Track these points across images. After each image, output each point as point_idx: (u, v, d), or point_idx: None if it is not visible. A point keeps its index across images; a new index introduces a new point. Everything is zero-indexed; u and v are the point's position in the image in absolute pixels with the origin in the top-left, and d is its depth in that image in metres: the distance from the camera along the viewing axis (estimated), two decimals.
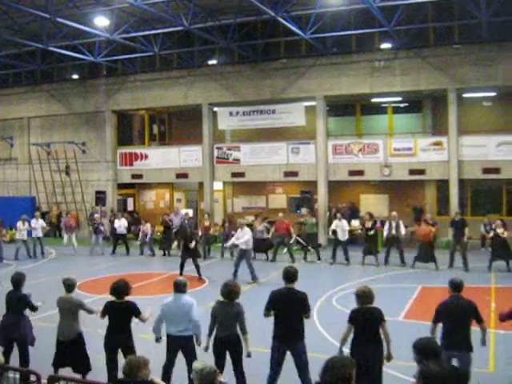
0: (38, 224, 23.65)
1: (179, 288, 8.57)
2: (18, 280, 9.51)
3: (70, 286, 8.98)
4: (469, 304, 8.01)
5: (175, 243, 21.67)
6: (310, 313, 8.30)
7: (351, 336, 7.72)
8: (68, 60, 28.73)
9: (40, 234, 23.55)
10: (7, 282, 9.77)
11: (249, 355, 8.19)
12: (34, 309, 9.48)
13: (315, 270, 20.05)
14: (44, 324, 11.40)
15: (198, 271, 18.32)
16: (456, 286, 8.10)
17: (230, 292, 8.22)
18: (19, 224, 23.15)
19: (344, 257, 20.88)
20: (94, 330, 9.45)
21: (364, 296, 7.76)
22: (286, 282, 8.36)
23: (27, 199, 31.51)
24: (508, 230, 19.06)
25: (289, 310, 8.10)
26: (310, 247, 22.73)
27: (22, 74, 32.73)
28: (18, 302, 9.34)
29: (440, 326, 7.99)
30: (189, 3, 20.65)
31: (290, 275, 8.34)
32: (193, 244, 18.46)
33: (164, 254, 23.51)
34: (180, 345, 8.46)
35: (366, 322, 7.60)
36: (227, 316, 8.17)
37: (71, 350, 8.80)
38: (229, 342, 8.15)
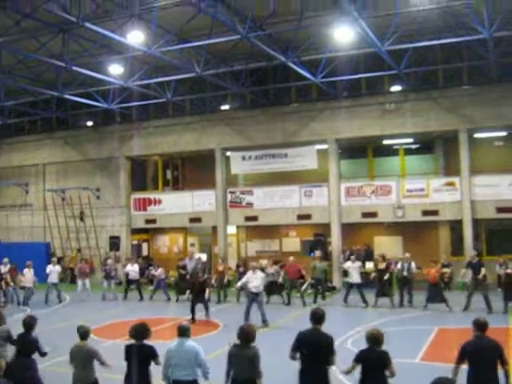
0: (55, 270, 23.72)
1: (183, 332, 8.58)
2: (29, 323, 9.53)
3: (83, 333, 8.89)
4: (495, 344, 7.84)
5: (188, 291, 21.63)
6: (334, 358, 8.11)
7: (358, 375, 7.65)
8: (83, 107, 29.21)
9: (56, 280, 23.58)
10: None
11: None
12: (42, 354, 9.48)
13: (328, 312, 19.83)
14: (59, 369, 11.38)
15: (206, 312, 18.62)
16: (480, 326, 7.95)
17: (246, 335, 8.16)
18: (26, 271, 23.12)
19: (361, 299, 20.73)
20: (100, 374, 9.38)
21: (372, 338, 7.71)
22: (313, 323, 8.32)
23: (42, 245, 31.65)
24: None
25: (316, 352, 8.02)
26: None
27: (37, 121, 33.35)
28: (29, 344, 9.35)
29: (463, 368, 7.79)
30: (201, 50, 21.05)
31: (318, 316, 8.33)
32: (206, 294, 18.66)
33: (177, 300, 23.36)
34: None
35: (373, 364, 7.52)
36: (243, 359, 8.09)
37: None
38: None
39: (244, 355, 8.10)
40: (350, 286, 21.12)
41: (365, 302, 20.67)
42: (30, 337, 9.45)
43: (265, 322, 17.40)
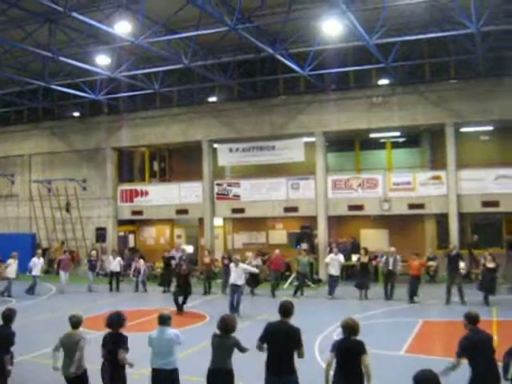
0: (39, 263, 23.58)
1: (163, 321, 8.71)
2: (8, 315, 9.45)
3: (75, 322, 8.90)
4: (490, 336, 8.00)
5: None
6: (302, 349, 8.08)
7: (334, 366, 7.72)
8: (69, 98, 29.03)
9: (38, 273, 23.43)
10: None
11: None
12: (9, 351, 9.39)
13: (315, 305, 19.98)
14: (44, 361, 11.35)
15: (182, 305, 18.54)
16: (472, 319, 8.07)
17: (226, 326, 8.28)
18: (11, 261, 22.89)
19: (328, 290, 21.01)
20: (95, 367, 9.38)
21: (347, 327, 7.78)
22: (281, 316, 8.34)
23: (28, 236, 31.52)
24: (498, 264, 19.15)
25: (281, 343, 8.07)
26: (309, 283, 22.77)
27: (23, 111, 33.12)
28: (8, 338, 9.27)
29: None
30: (189, 42, 20.97)
31: (286, 309, 8.33)
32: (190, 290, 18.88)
33: (164, 291, 23.38)
34: (165, 378, 8.52)
35: (347, 353, 7.58)
36: (222, 349, 8.23)
37: None
38: (219, 375, 8.15)
39: (223, 345, 8.24)
40: (332, 279, 21.22)
41: (331, 292, 20.98)
42: (9, 330, 9.38)
43: (234, 312, 17.24)
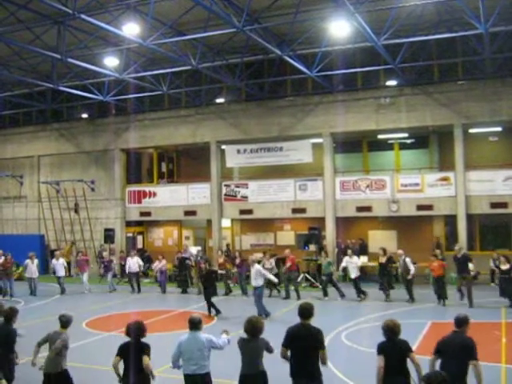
0: (59, 263, 23.82)
1: (194, 325, 8.32)
2: (9, 314, 9.46)
3: (64, 322, 8.96)
4: (466, 341, 7.72)
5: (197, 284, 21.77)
6: (324, 352, 7.87)
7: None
8: (78, 99, 29.19)
9: (62, 274, 23.79)
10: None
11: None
12: (14, 342, 9.38)
13: (325, 306, 19.92)
14: None
15: (209, 309, 18.20)
16: (457, 321, 7.96)
17: (254, 327, 8.02)
18: (28, 262, 23.15)
19: (356, 294, 20.75)
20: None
21: (388, 329, 7.70)
22: (301, 318, 8.16)
23: (36, 237, 31.62)
24: None
25: (304, 346, 7.90)
26: (318, 284, 22.67)
27: (32, 113, 33.26)
28: (7, 336, 9.26)
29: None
30: (197, 43, 21.02)
31: (305, 311, 8.14)
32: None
33: (183, 292, 23.50)
34: (198, 383, 8.18)
35: (394, 354, 7.52)
36: (252, 352, 7.99)
37: None
38: (254, 380, 7.93)
39: (253, 348, 8.00)
40: (354, 282, 21.09)
41: (359, 295, 20.74)
42: (9, 328, 9.36)
43: (260, 315, 17.14)
